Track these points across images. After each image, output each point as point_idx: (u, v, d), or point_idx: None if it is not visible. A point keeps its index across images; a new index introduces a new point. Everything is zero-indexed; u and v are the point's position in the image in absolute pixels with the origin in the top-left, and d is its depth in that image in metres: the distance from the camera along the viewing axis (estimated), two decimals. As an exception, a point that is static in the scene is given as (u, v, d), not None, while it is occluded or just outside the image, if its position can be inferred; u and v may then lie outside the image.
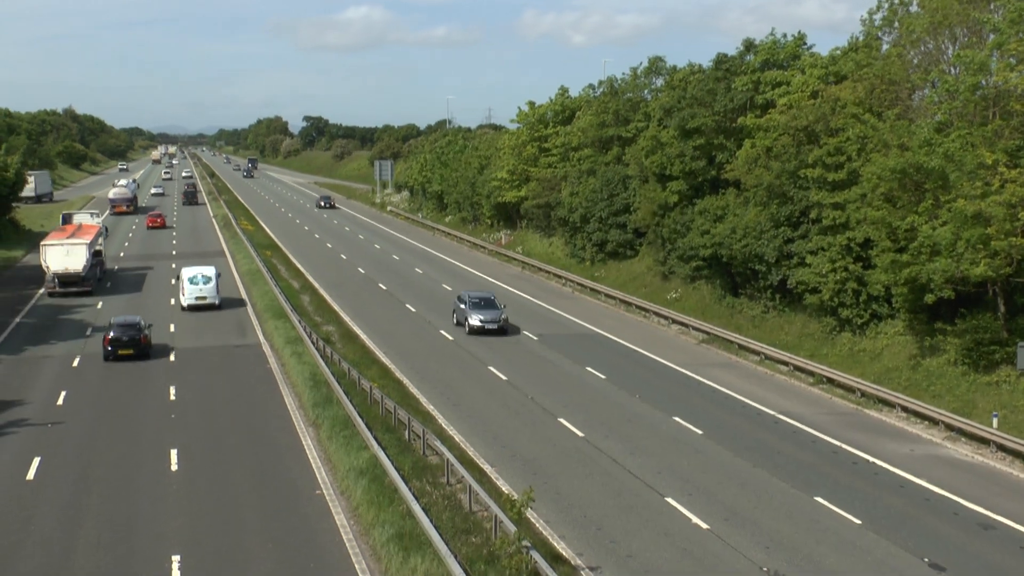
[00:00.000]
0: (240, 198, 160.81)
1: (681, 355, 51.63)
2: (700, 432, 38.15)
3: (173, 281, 69.85)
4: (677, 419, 39.73)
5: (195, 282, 64.01)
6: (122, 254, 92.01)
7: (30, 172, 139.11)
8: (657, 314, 60.74)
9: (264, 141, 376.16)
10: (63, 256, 68.50)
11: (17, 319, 60.57)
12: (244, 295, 68.34)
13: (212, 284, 64.42)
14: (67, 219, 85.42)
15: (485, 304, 56.54)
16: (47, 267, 68.63)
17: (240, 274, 77.28)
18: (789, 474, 33.61)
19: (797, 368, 47.44)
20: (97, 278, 72.81)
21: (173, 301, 65.89)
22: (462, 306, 56.87)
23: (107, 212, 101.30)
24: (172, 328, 57.48)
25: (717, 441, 37.10)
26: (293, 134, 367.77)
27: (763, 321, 55.27)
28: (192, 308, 63.42)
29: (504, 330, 55.62)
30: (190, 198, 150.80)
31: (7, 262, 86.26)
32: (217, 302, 64.15)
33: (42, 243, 71.56)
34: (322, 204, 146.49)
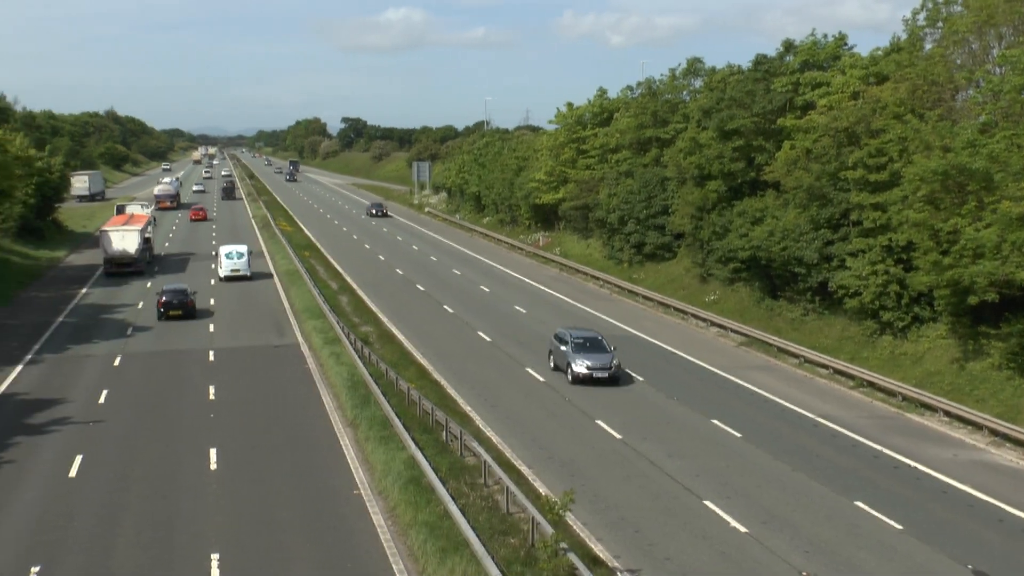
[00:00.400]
0: (279, 199, 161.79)
1: (720, 357, 51.35)
2: (739, 435, 37.92)
3: (212, 254, 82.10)
4: (715, 422, 39.52)
5: (230, 257, 76.13)
6: (167, 244, 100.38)
7: (84, 172, 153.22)
8: (695, 316, 60.47)
9: (303, 142, 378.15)
10: (119, 240, 78.51)
11: (60, 318, 61.15)
12: (282, 295, 68.66)
13: (244, 259, 76.33)
14: (121, 210, 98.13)
15: (592, 346, 45.86)
16: (104, 249, 78.49)
17: (279, 274, 77.63)
18: (829, 478, 33.33)
19: (837, 371, 47.05)
20: (147, 261, 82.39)
21: (213, 281, 74.54)
22: (562, 347, 46.16)
23: (153, 207, 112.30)
24: (212, 302, 65.79)
25: (756, 444, 36.85)
26: (331, 135, 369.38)
27: (802, 324, 54.87)
28: (227, 279, 74.90)
29: (616, 379, 45.19)
30: (228, 193, 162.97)
31: (51, 262, 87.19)
32: (248, 274, 75.70)
33: (101, 229, 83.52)
34: (374, 212, 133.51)
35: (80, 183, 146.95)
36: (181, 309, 60.43)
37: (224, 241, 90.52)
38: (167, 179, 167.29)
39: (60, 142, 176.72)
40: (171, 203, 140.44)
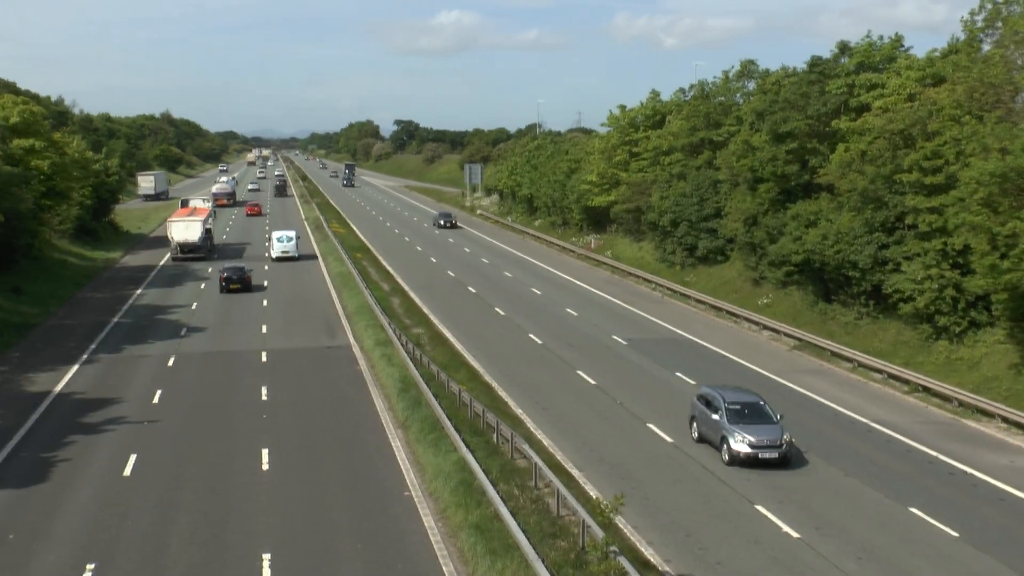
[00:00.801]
0: (332, 201, 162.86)
1: (772, 361, 50.96)
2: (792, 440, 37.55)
3: (266, 239, 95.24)
4: (768, 426, 39.16)
5: (281, 240, 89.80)
6: (225, 236, 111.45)
7: (149, 172, 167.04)
8: (748, 320, 60.05)
9: (355, 145, 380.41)
10: (184, 229, 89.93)
11: (115, 319, 61.93)
12: (335, 297, 69.07)
13: (293, 243, 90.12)
14: (185, 203, 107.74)
15: (753, 413, 35.38)
16: (172, 238, 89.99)
17: (331, 276, 78.13)
18: (883, 483, 32.93)
19: (891, 376, 46.51)
20: (208, 248, 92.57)
21: (267, 267, 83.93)
22: (713, 416, 35.66)
23: (212, 203, 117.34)
24: (265, 283, 75.56)
25: (808, 449, 36.49)
26: (384, 138, 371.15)
27: (856, 328, 54.29)
28: (278, 260, 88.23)
29: (787, 459, 34.77)
30: (280, 191, 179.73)
31: (106, 263, 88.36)
32: (296, 256, 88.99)
33: (168, 219, 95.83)
34: (442, 223, 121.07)
35: (147, 183, 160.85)
36: (240, 283, 71.92)
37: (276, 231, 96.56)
38: (224, 178, 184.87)
39: (116, 144, 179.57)
40: (228, 200, 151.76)
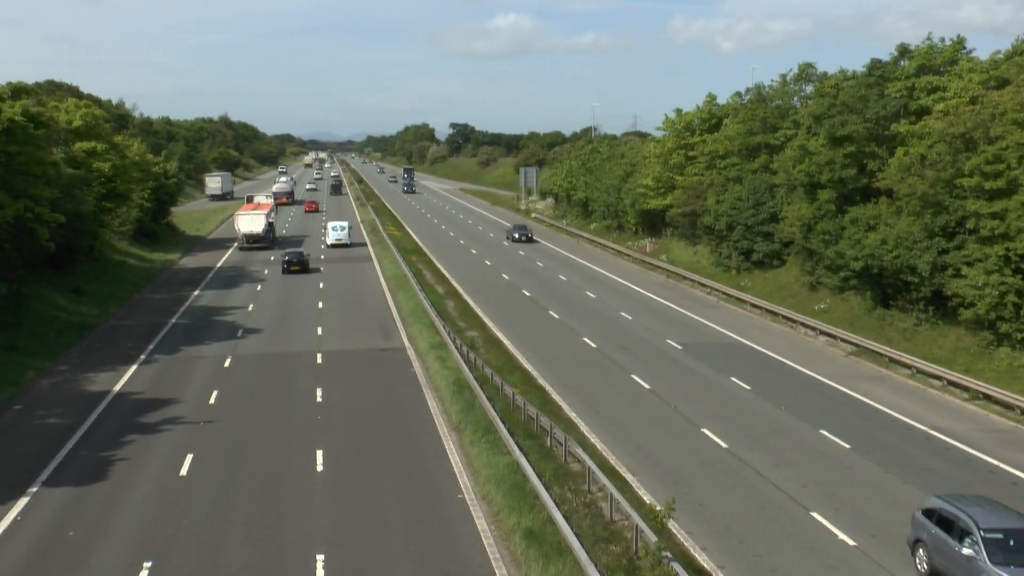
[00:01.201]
0: (387, 204, 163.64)
1: (828, 367, 50.44)
2: (848, 446, 37.15)
3: (322, 228, 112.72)
4: (824, 432, 38.79)
5: (335, 229, 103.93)
6: (285, 229, 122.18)
7: (217, 173, 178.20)
8: (804, 325, 59.49)
9: (411, 148, 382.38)
10: (249, 222, 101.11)
11: (173, 320, 62.61)
12: (389, 299, 69.36)
13: (346, 231, 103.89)
14: (250, 199, 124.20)
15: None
16: (239, 229, 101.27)
17: (386, 278, 78.49)
18: (941, 492, 32.39)
19: (951, 383, 45.83)
20: (271, 239, 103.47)
21: (323, 256, 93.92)
22: (962, 549, 24.84)
23: (273, 201, 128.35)
24: (322, 268, 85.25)
25: (865, 455, 36.07)
26: (439, 141, 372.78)
27: (915, 334, 53.59)
28: (332, 247, 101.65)
29: None
30: (336, 190, 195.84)
31: (164, 264, 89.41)
32: (348, 243, 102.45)
33: (236, 213, 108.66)
34: (517, 236, 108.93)
35: (214, 183, 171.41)
36: (299, 265, 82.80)
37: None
38: (283, 179, 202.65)
39: (175, 147, 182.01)
40: (287, 199, 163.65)
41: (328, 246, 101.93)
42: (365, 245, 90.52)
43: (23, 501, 31.20)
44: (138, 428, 39.07)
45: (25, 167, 57.27)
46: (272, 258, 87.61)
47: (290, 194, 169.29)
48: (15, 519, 29.77)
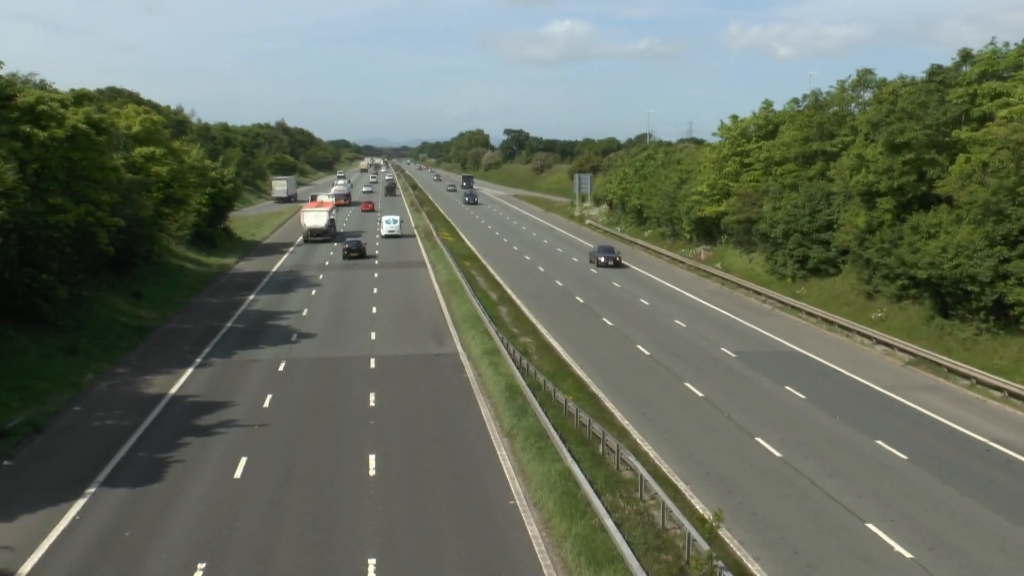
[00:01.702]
0: (441, 209, 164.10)
1: (885, 376, 49.83)
2: (904, 457, 36.66)
3: (377, 222, 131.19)
4: (880, 442, 38.31)
5: (388, 222, 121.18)
6: (344, 225, 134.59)
7: (283, 176, 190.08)
8: (860, 334, 58.81)
9: (465, 154, 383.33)
10: (314, 217, 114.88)
11: (228, 323, 63.20)
12: (443, 304, 69.53)
13: (398, 224, 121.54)
14: (314, 198, 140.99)
15: None
16: (304, 224, 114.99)
17: (439, 284, 78.71)
18: (1002, 505, 31.90)
19: (1012, 394, 45.03)
20: (332, 233, 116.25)
21: (378, 253, 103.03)
22: None
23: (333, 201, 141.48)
24: (376, 259, 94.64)
25: (923, 467, 35.57)
26: (494, 147, 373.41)
27: (975, 344, 52.80)
28: (386, 237, 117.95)
29: None
30: (390, 191, 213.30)
31: (221, 269, 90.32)
32: (400, 234, 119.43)
33: (302, 210, 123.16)
34: (602, 260, 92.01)
35: (280, 186, 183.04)
36: (358, 252, 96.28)
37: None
38: (341, 182, 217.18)
39: (232, 153, 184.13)
40: (345, 200, 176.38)
41: (383, 237, 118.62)
42: (424, 265, 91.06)
43: (81, 501, 31.63)
44: (193, 430, 39.46)
45: (87, 172, 58.17)
46: (332, 252, 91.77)
47: (347, 196, 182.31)
48: (74, 518, 30.18)
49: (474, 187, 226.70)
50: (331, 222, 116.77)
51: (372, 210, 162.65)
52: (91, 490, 32.65)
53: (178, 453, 36.57)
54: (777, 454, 36.78)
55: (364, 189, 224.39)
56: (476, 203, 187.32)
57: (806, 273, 74.62)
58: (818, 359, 53.60)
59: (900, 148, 61.89)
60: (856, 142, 70.01)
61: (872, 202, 64.65)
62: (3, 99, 53.71)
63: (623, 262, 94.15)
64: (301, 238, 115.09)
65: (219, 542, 28.18)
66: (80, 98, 65.93)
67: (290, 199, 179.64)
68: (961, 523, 30.27)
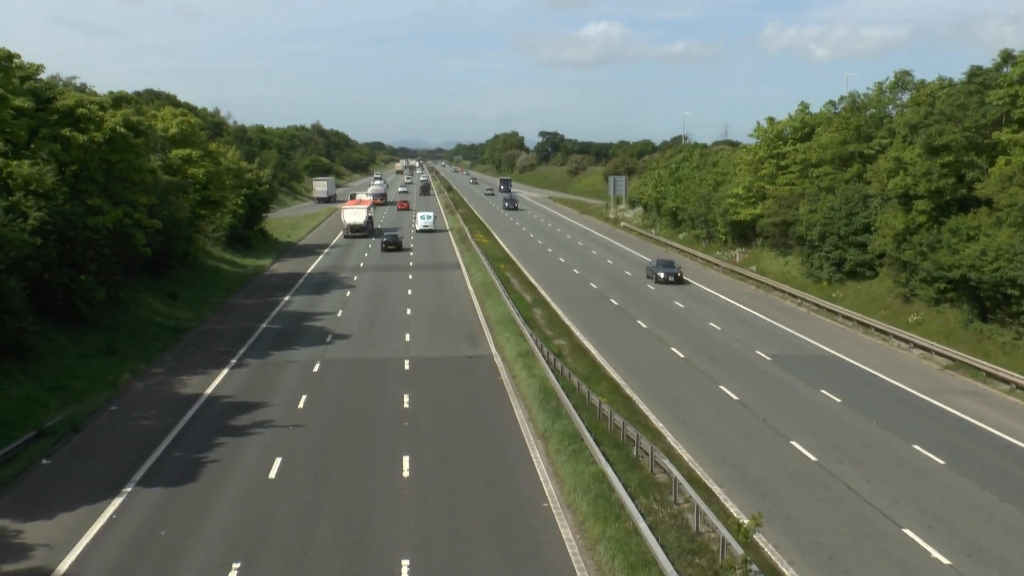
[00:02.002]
0: (476, 211, 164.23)
1: (922, 381, 49.40)
2: (942, 462, 36.32)
3: (412, 217, 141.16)
4: (917, 447, 37.97)
5: (423, 218, 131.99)
6: (381, 223, 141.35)
7: (323, 178, 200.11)
8: (897, 337, 58.33)
9: (500, 156, 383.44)
10: (353, 214, 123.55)
11: (264, 324, 63.51)
12: (477, 307, 69.58)
13: (431, 219, 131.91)
14: (353, 196, 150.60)
15: None
16: (344, 220, 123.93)
17: (474, 286, 78.77)
18: (1040, 511, 31.55)
19: (1051, 399, 44.56)
20: (370, 229, 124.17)
21: (413, 246, 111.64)
22: None
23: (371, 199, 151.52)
24: (411, 252, 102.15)
25: (961, 472, 35.22)
26: (528, 149, 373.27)
27: (1015, 348, 52.21)
28: (420, 232, 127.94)
29: None
30: (425, 190, 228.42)
31: (256, 270, 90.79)
32: (433, 229, 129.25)
33: (342, 207, 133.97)
34: (663, 276, 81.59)
35: (320, 187, 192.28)
36: (395, 245, 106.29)
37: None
38: (378, 183, 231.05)
39: (268, 155, 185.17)
40: (381, 200, 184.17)
41: (417, 231, 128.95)
42: (459, 268, 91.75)
43: (118, 500, 31.88)
44: (229, 431, 39.68)
45: (124, 174, 58.70)
46: (366, 254, 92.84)
47: (383, 195, 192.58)
48: (111, 517, 30.43)
49: (513, 191, 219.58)
50: (369, 219, 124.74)
51: (407, 208, 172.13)
52: (128, 489, 32.92)
53: (213, 453, 36.79)
54: (812, 458, 36.54)
55: (399, 189, 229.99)
56: (516, 208, 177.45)
57: (842, 276, 74.11)
58: (854, 363, 53.22)
59: (939, 150, 61.33)
60: (894, 144, 69.46)
61: (909, 205, 64.11)
62: (43, 102, 54.26)
63: (684, 277, 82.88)
64: (341, 234, 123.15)
65: (254, 542, 28.32)
66: (119, 100, 66.53)
67: (330, 199, 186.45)
68: (1000, 529, 29.95)
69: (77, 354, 49.85)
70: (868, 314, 64.37)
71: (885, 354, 56.05)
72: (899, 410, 43.76)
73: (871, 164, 74.77)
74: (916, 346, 56.05)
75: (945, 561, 27.47)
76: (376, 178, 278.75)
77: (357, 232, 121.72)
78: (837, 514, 31.02)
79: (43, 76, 57.10)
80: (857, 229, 71.98)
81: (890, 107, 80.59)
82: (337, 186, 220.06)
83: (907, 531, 29.60)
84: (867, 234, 70.83)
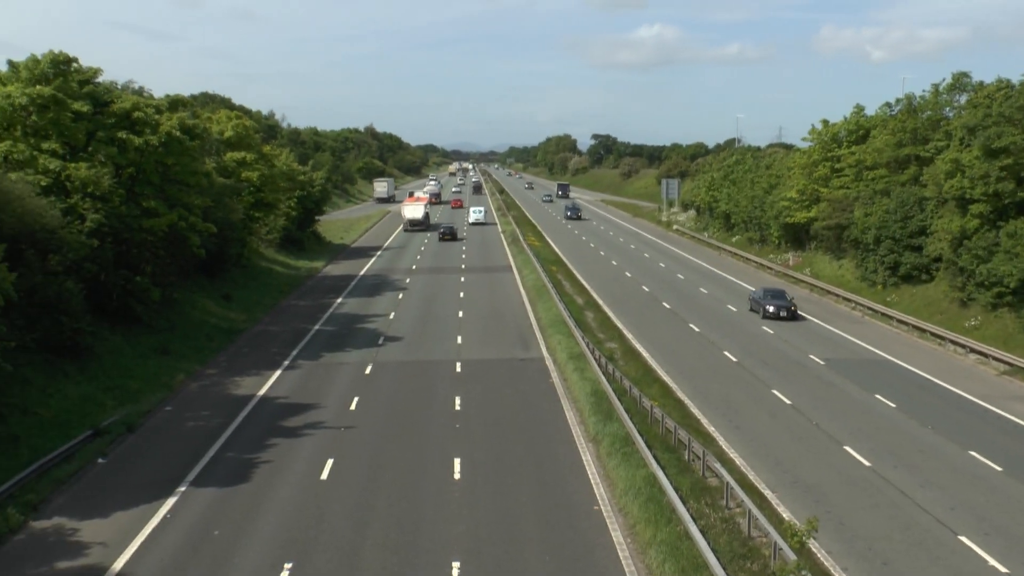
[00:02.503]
0: (528, 214, 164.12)
1: (979, 386, 48.72)
2: (999, 468, 35.78)
3: (465, 212, 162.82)
4: (973, 453, 37.45)
5: (475, 212, 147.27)
6: (437, 218, 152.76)
7: (383, 179, 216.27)
8: (953, 342, 57.57)
9: (553, 159, 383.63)
10: (412, 210, 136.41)
11: (316, 326, 63.90)
12: (529, 309, 69.57)
13: (483, 213, 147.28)
14: (411, 195, 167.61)
15: None
16: (404, 216, 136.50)
17: (526, 289, 78.77)
18: (1101, 520, 30.98)
19: (1112, 405, 43.77)
20: (427, 224, 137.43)
21: (466, 246, 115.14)
22: None
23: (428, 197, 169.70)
24: (464, 245, 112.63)
25: (1019, 479, 34.68)
26: (581, 152, 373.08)
27: (1073, 353, 51.38)
28: (473, 224, 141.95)
29: None
30: (477, 189, 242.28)
31: (309, 272, 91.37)
32: (484, 221, 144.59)
33: (402, 204, 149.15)
34: (774, 311, 66.07)
35: (381, 188, 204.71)
36: (451, 235, 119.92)
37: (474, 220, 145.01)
38: (433, 183, 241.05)
39: (322, 157, 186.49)
40: (436, 199, 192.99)
41: (470, 224, 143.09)
42: (510, 270, 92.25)
43: (172, 500, 32.21)
44: (281, 432, 39.96)
45: (180, 177, 59.28)
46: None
47: (438, 195, 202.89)
48: (165, 516, 30.75)
49: (573, 196, 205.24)
50: (426, 215, 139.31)
51: (460, 207, 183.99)
52: (181, 489, 33.25)
53: (266, 454, 37.06)
54: (866, 463, 36.16)
55: (453, 189, 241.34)
56: (580, 218, 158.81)
57: (897, 280, 73.28)
58: (909, 367, 52.61)
59: (997, 153, 60.45)
60: (950, 147, 68.57)
61: (966, 208, 63.24)
62: (100, 105, 54.95)
63: (797, 311, 67.36)
64: (401, 227, 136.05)
65: (306, 542, 28.49)
66: (175, 103, 67.23)
67: (390, 199, 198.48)
68: (1058, 537, 29.45)
69: (132, 354, 50.44)
70: (923, 318, 63.61)
71: (941, 359, 55.36)
72: (955, 415, 43.20)
73: (927, 167, 73.86)
74: (972, 351, 55.31)
75: (1003, 569, 27.06)
76: (431, 179, 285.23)
77: (416, 226, 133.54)
78: (891, 520, 30.67)
79: (100, 80, 57.79)
80: (913, 232, 71.15)
81: (947, 109, 79.57)
82: (396, 187, 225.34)
83: (963, 538, 29.19)
84: (923, 237, 70.00)
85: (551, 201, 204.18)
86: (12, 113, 50.62)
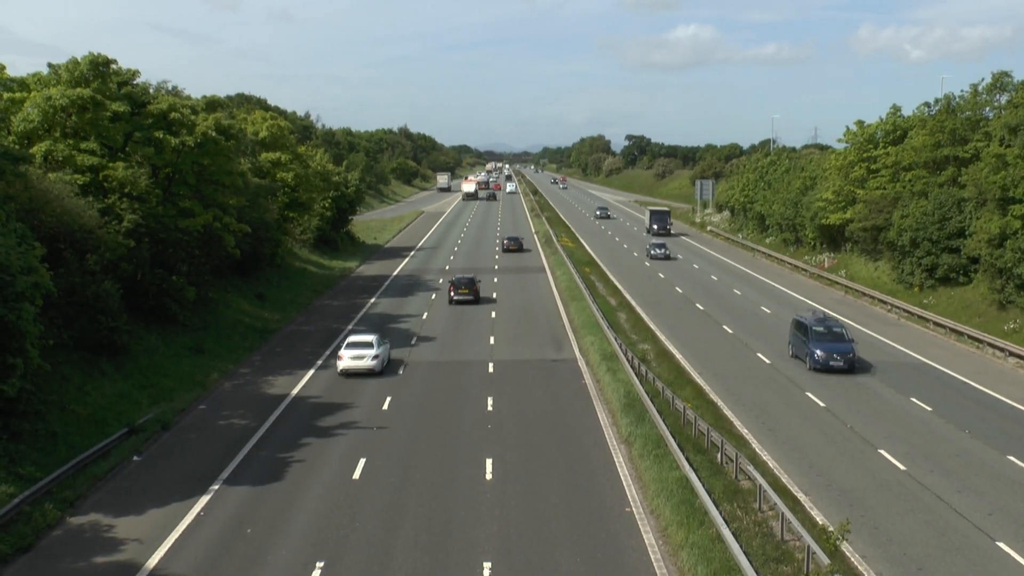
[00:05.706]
0: (561, 215, 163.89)
1: (1018, 390, 48.18)
2: (1037, 474, 35.41)
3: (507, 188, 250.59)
4: (1012, 458, 37.04)
5: (510, 185, 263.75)
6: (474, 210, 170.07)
7: (444, 172, 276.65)
8: (992, 345, 56.97)
9: (586, 159, 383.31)
10: (468, 186, 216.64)
11: (350, 326, 64.10)
12: (562, 310, 69.50)
13: (514, 185, 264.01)
14: (466, 177, 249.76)
15: None
16: (462, 190, 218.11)
17: (559, 290, 78.70)
18: None
19: None
20: (478, 197, 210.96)
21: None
22: None
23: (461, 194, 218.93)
24: (498, 227, 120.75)
25: (1056, 484, 34.30)
26: (615, 152, 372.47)
27: (1113, 357, 50.75)
28: (510, 194, 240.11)
29: None
30: (508, 178, 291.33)
31: (343, 272, 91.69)
32: (516, 192, 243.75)
33: (462, 182, 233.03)
34: (822, 358, 50.56)
35: (443, 179, 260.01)
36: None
37: (505, 211, 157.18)
38: (483, 173, 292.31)
39: (356, 158, 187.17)
40: (483, 186, 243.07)
41: (507, 193, 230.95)
42: (543, 271, 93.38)
43: (205, 498, 32.42)
44: (314, 431, 40.13)
45: (215, 177, 59.63)
46: (455, 249, 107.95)
47: (486, 182, 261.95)
48: (199, 514, 30.95)
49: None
50: (476, 191, 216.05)
51: (499, 188, 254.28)
52: (215, 487, 33.45)
53: (298, 453, 37.22)
54: (901, 467, 35.86)
55: (492, 178, 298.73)
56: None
57: (934, 282, 72.63)
58: (946, 371, 52.14)
59: (1038, 153, 59.74)
60: (990, 147, 67.85)
61: (1006, 208, 62.58)
62: (138, 106, 55.36)
63: (856, 364, 51.60)
64: (460, 197, 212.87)
65: (337, 541, 28.59)
66: (212, 104, 67.68)
67: (448, 189, 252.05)
68: (1097, 543, 29.11)
69: (167, 353, 50.78)
70: (961, 321, 63.00)
71: (978, 362, 54.82)
72: (992, 420, 42.76)
73: (966, 168, 73.15)
74: (1012, 354, 54.70)
75: (1039, 575, 26.78)
76: (483, 173, 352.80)
77: (470, 197, 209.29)
78: (927, 525, 30.41)
79: (138, 81, 58.25)
80: (951, 234, 70.50)
81: (987, 109, 78.74)
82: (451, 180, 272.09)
83: (1001, 544, 28.89)
84: (961, 239, 69.33)
85: (606, 216, 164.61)
86: (53, 115, 51.09)
